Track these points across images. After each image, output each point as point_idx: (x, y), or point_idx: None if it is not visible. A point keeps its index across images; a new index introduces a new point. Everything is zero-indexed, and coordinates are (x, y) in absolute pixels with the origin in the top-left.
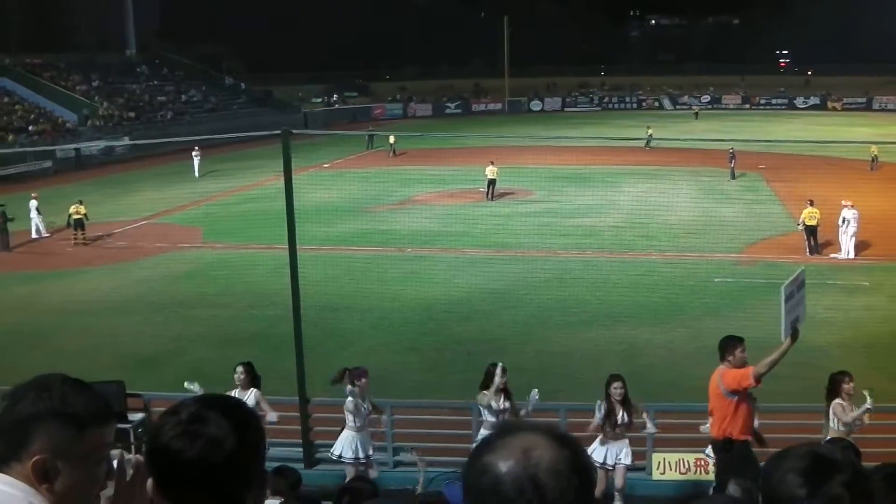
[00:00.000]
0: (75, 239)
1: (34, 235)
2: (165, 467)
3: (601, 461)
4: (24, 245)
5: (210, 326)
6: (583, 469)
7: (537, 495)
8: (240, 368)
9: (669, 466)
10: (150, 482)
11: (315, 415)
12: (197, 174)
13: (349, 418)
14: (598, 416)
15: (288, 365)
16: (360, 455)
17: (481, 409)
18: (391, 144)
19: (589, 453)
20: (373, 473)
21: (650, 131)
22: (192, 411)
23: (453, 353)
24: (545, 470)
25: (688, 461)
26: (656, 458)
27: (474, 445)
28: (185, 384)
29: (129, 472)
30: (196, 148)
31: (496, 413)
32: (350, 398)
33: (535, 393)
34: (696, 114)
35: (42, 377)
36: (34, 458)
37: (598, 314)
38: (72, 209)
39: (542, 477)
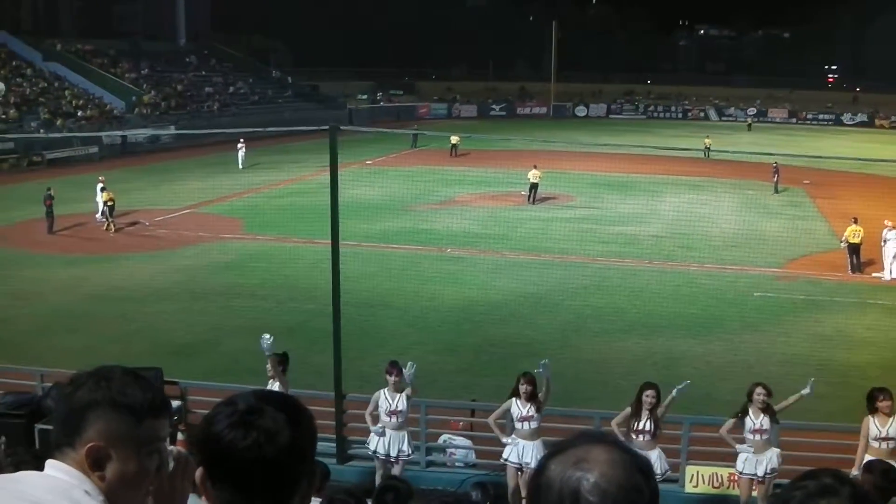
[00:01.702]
0: (109, 226)
1: (99, 217)
2: (217, 457)
3: None
4: (69, 229)
5: (248, 318)
6: (634, 492)
7: None
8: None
9: (703, 480)
10: (199, 472)
11: (350, 410)
12: (241, 166)
13: (369, 406)
14: (619, 417)
15: (324, 359)
16: (381, 451)
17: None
18: (453, 144)
19: None
20: (396, 470)
21: (708, 142)
22: (248, 403)
23: (489, 356)
24: (591, 484)
25: (721, 476)
26: (690, 470)
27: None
28: (264, 337)
29: (171, 463)
30: (241, 140)
31: (521, 419)
32: (380, 391)
33: (544, 364)
34: (749, 125)
35: (103, 367)
36: (88, 445)
37: (635, 323)
38: (104, 196)
39: (584, 491)
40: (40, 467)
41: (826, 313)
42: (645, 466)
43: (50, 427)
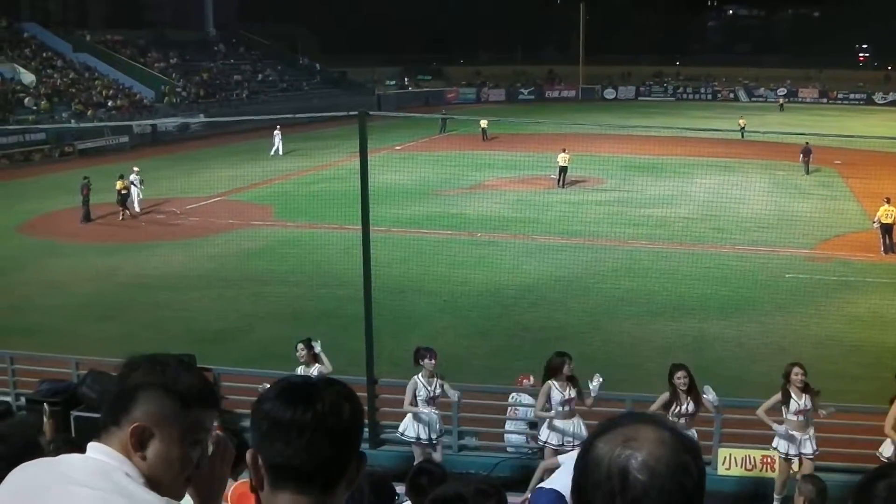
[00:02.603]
0: (123, 214)
1: (137, 208)
2: (274, 435)
3: None
4: (102, 218)
5: (280, 304)
6: (682, 471)
7: (621, 485)
8: (300, 346)
9: (735, 462)
10: (249, 453)
11: (382, 395)
12: (280, 153)
13: (406, 396)
14: (657, 404)
15: (355, 345)
16: (423, 436)
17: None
18: (483, 129)
19: None
20: (436, 456)
21: (743, 122)
22: (304, 380)
23: (520, 339)
24: (639, 462)
25: (754, 458)
26: (723, 452)
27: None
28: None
29: (210, 447)
30: (278, 127)
31: (562, 402)
32: (414, 377)
33: (597, 378)
34: (781, 105)
35: (159, 354)
36: (134, 424)
37: (666, 305)
38: (118, 184)
39: (633, 469)
40: (78, 452)
41: (859, 294)
42: (692, 446)
43: (86, 414)
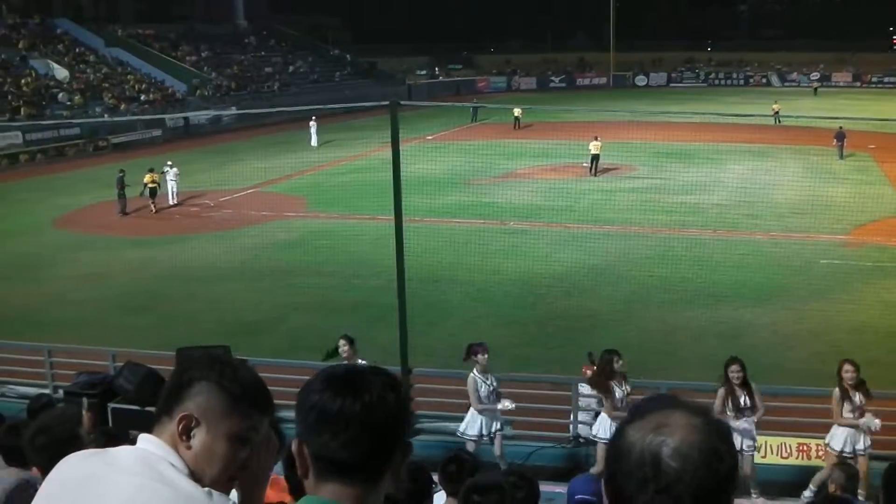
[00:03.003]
0: (153, 207)
1: (171, 201)
2: (321, 426)
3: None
4: (137, 211)
5: (313, 295)
6: (715, 457)
7: (654, 472)
8: (342, 342)
9: (771, 450)
10: (295, 443)
11: (416, 385)
12: (315, 143)
13: (471, 396)
14: (718, 402)
15: (389, 335)
16: (484, 432)
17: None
18: (516, 117)
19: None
20: (496, 450)
21: (777, 107)
22: (350, 370)
23: (554, 328)
24: (671, 449)
25: (790, 445)
26: (759, 441)
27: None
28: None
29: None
30: (313, 118)
31: (622, 399)
32: (471, 375)
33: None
34: (815, 90)
35: (219, 354)
36: (183, 413)
37: (700, 293)
38: (146, 178)
39: (665, 455)
40: (115, 444)
41: (894, 280)
42: (725, 432)
43: (123, 406)
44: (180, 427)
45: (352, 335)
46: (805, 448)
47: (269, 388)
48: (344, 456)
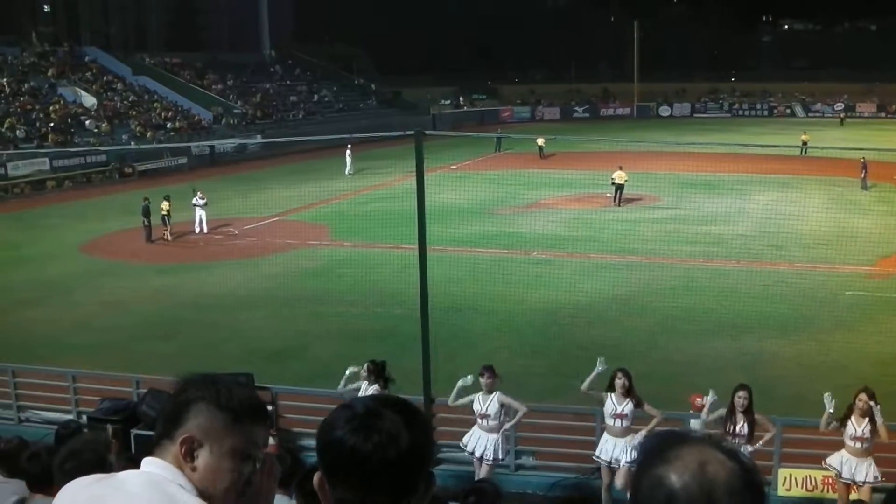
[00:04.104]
0: (167, 235)
1: (197, 230)
2: (338, 462)
3: None
4: (162, 238)
5: (337, 323)
6: (756, 487)
7: None
8: (367, 364)
9: (796, 483)
10: (317, 477)
11: (440, 415)
12: (351, 171)
13: (453, 393)
14: (713, 415)
15: (412, 364)
16: (477, 453)
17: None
18: (540, 147)
19: None
20: (483, 473)
21: (806, 137)
22: (367, 406)
23: (577, 358)
24: (722, 487)
25: (815, 478)
26: (783, 473)
27: (641, 455)
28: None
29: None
30: (349, 146)
31: (613, 415)
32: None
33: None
34: (842, 120)
35: (212, 374)
36: (185, 436)
37: (724, 324)
38: (163, 205)
39: (719, 494)
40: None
41: None
42: (754, 469)
43: (146, 433)
44: (183, 449)
45: (379, 362)
46: (830, 481)
47: (292, 415)
48: (366, 497)
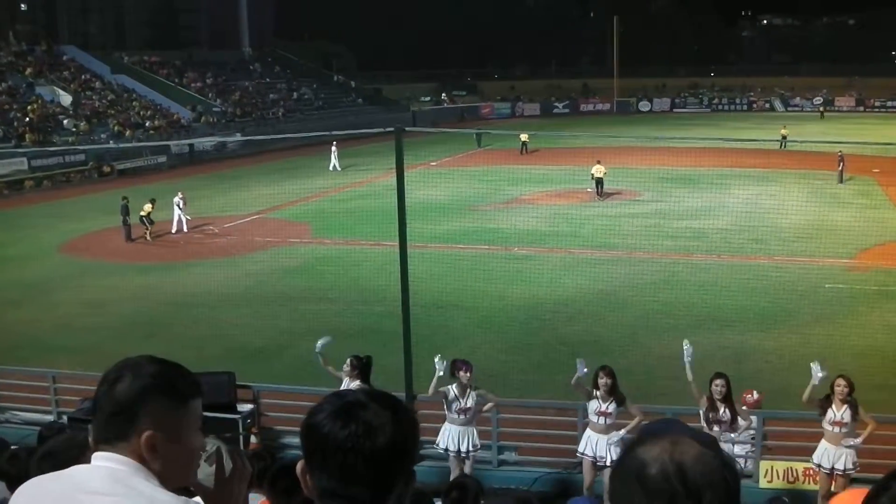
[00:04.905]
0: (148, 236)
1: (174, 229)
2: (321, 452)
3: None
4: (143, 237)
5: (318, 321)
6: (729, 465)
7: (681, 481)
8: (350, 360)
9: (777, 475)
10: (300, 464)
11: (421, 411)
12: (338, 168)
13: (430, 386)
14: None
15: (394, 361)
16: (452, 448)
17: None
18: (523, 142)
19: None
20: (466, 468)
21: (785, 132)
22: (356, 396)
23: (559, 354)
24: (692, 459)
25: (796, 470)
26: (764, 465)
27: (624, 445)
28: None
29: (228, 466)
30: (335, 143)
31: (597, 413)
32: (448, 386)
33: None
34: (822, 114)
35: (129, 359)
36: (146, 434)
37: (705, 318)
38: (146, 207)
39: (689, 464)
40: None
41: None
42: (728, 460)
43: None
44: (147, 447)
45: (364, 357)
46: (812, 472)
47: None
48: (343, 486)
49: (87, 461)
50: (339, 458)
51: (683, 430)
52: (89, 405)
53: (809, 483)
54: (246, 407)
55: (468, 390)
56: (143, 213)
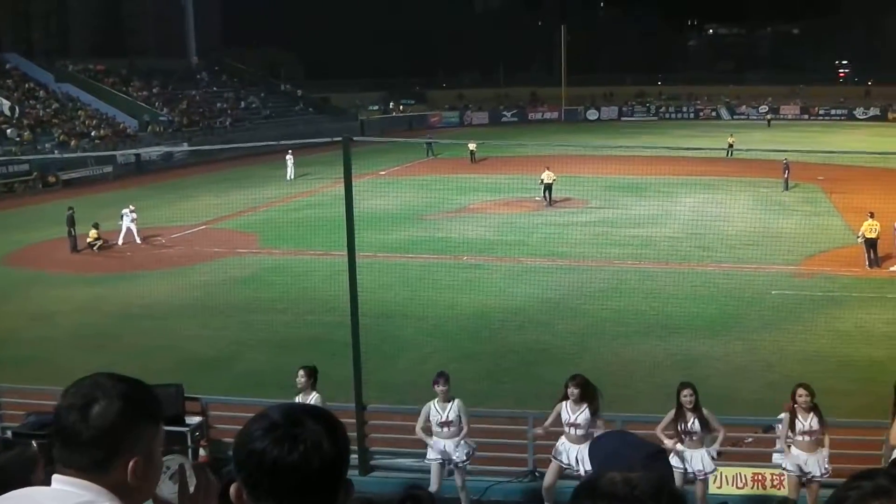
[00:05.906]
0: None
1: (121, 241)
2: (260, 474)
3: (681, 469)
4: (89, 248)
5: (267, 331)
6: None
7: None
8: (301, 372)
9: (726, 480)
10: (233, 488)
11: (371, 421)
12: (292, 177)
13: (419, 419)
14: (663, 422)
15: (343, 371)
16: (441, 458)
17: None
18: (472, 151)
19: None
20: (456, 480)
21: (732, 140)
22: (286, 416)
23: (509, 362)
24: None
25: (745, 475)
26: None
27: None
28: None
29: (192, 482)
30: (290, 152)
31: (568, 424)
32: (429, 403)
33: None
34: (769, 122)
35: (90, 380)
36: (133, 461)
37: (653, 325)
38: (91, 234)
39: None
40: None
41: (845, 309)
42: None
43: None
44: (133, 473)
45: (310, 368)
46: (760, 478)
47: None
48: (283, 501)
49: (39, 478)
50: (289, 481)
51: (631, 443)
52: (35, 419)
53: (758, 488)
54: (194, 419)
55: (450, 403)
56: (89, 240)
